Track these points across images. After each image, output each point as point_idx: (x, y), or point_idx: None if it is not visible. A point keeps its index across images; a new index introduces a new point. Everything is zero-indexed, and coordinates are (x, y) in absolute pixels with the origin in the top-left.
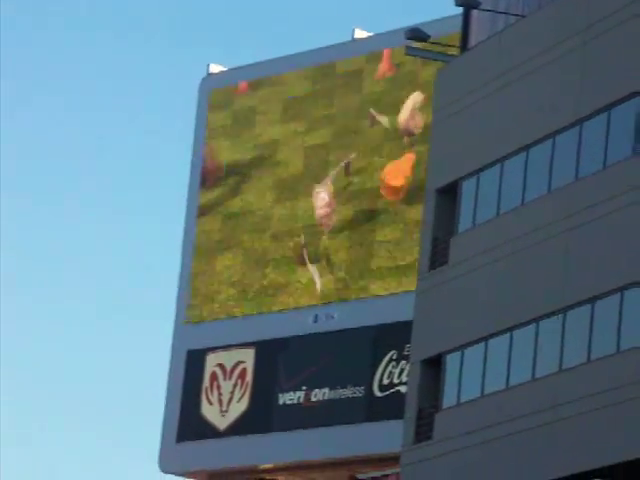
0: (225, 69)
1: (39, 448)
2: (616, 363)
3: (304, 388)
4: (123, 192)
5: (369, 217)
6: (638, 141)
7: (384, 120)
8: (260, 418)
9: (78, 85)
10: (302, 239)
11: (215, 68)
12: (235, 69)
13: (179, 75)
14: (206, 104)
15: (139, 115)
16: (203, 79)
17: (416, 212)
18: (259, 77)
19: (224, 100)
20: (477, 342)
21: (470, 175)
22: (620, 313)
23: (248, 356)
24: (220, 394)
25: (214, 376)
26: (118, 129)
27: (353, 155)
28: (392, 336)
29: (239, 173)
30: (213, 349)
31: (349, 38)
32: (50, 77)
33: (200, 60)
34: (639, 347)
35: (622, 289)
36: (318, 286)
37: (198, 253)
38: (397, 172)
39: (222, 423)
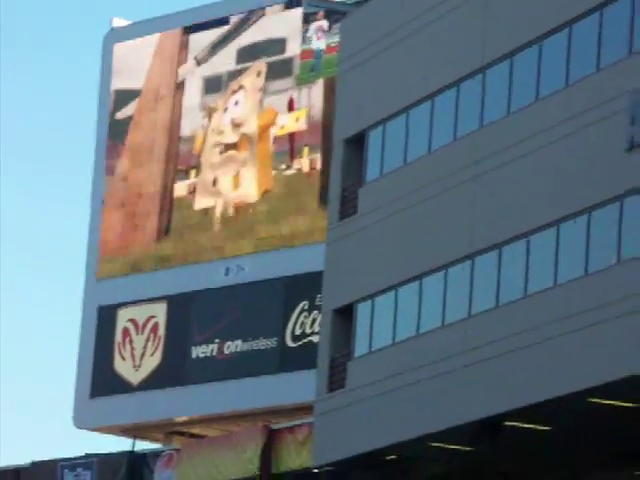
0: (129, 23)
1: None
2: (523, 307)
3: (217, 341)
4: (33, 148)
5: None
6: (540, 87)
7: None
8: (174, 372)
9: None
10: None
11: (119, 22)
12: (139, 23)
13: (83, 29)
14: (110, 59)
15: (44, 70)
16: (107, 33)
17: None
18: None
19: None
20: (387, 290)
21: (376, 125)
22: (527, 258)
23: (160, 310)
24: (133, 349)
25: (126, 331)
26: (23, 82)
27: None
28: (303, 286)
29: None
30: (124, 304)
31: None
32: None
33: (103, 14)
34: (545, 290)
35: (528, 234)
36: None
37: (107, 208)
38: None
39: (136, 378)
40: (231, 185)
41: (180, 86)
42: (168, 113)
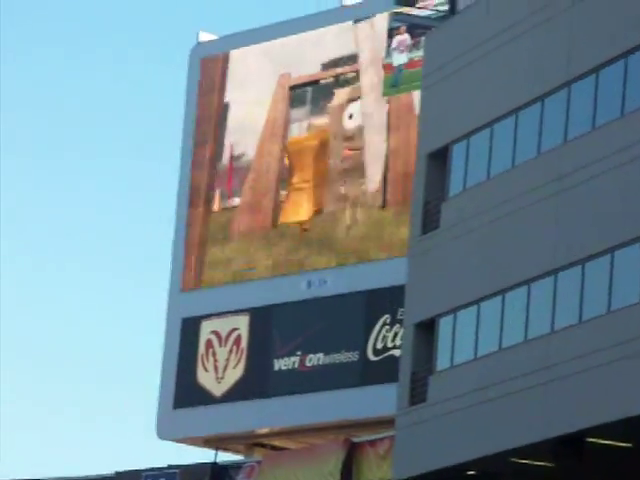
0: (215, 37)
1: (41, 418)
2: (607, 323)
3: (299, 353)
4: (117, 163)
5: None
6: (626, 102)
7: None
8: (256, 384)
9: (63, 51)
10: None
11: (205, 36)
12: (226, 37)
13: (169, 43)
14: (197, 73)
15: (130, 85)
16: (193, 47)
17: None
18: (249, 45)
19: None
20: (470, 305)
21: (460, 139)
22: (610, 274)
23: (243, 322)
24: (216, 361)
25: (209, 343)
26: (110, 98)
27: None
28: (385, 300)
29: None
30: (208, 316)
31: (337, 4)
32: (39, 44)
33: (190, 28)
34: (629, 306)
35: (612, 250)
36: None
37: (192, 220)
38: None
39: (218, 390)
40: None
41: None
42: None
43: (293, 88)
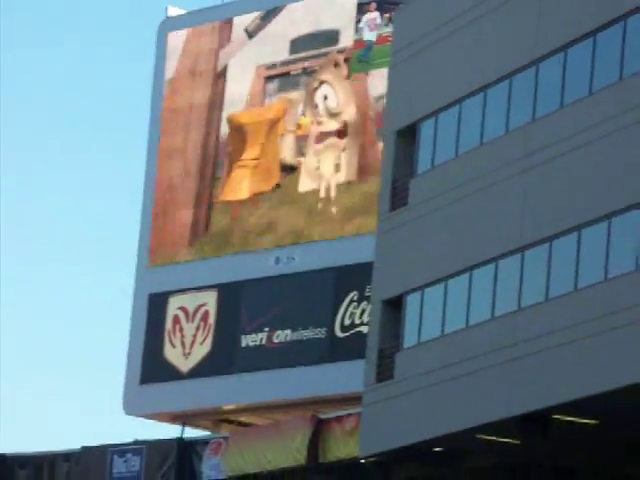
0: (183, 12)
1: (6, 393)
2: (573, 301)
3: (266, 330)
4: (85, 135)
5: None
6: (594, 80)
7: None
8: (223, 360)
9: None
10: None
11: (173, 11)
12: (194, 12)
13: (137, 18)
14: (164, 48)
15: (99, 59)
16: (161, 22)
17: None
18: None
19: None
20: (437, 282)
21: (428, 116)
22: (577, 252)
23: (210, 298)
24: (183, 336)
25: (177, 319)
26: (76, 71)
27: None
28: (353, 277)
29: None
30: (175, 292)
31: None
32: (11, 19)
33: (159, 2)
34: (595, 284)
35: (579, 227)
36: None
37: (159, 197)
38: None
39: (185, 365)
40: (332, 170)
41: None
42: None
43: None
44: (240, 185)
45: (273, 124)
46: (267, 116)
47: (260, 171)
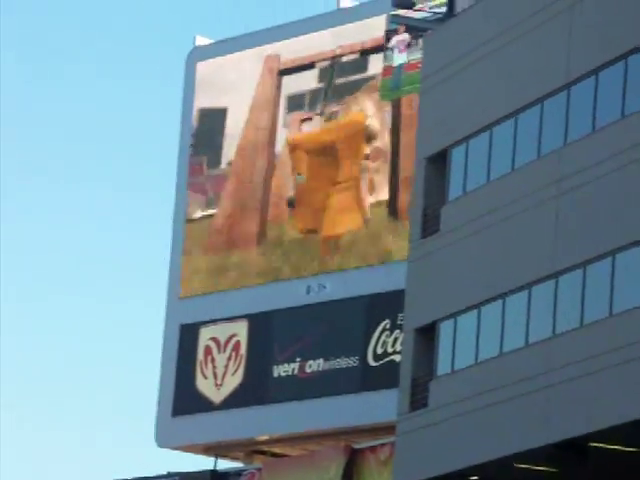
0: (212, 41)
1: (40, 426)
2: (609, 327)
3: (298, 359)
4: (114, 167)
5: None
6: (626, 104)
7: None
8: (255, 390)
9: (59, 55)
10: None
11: (202, 40)
12: (222, 41)
13: (166, 47)
14: (193, 77)
15: (127, 87)
16: (190, 51)
17: None
18: (246, 49)
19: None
20: (470, 309)
21: (459, 142)
22: (612, 277)
23: (241, 329)
24: (215, 367)
25: (208, 350)
26: (105, 102)
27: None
28: (385, 305)
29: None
30: (206, 323)
31: (334, 7)
32: (37, 46)
33: (187, 32)
34: (630, 310)
35: (613, 253)
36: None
37: (190, 227)
38: None
39: (217, 396)
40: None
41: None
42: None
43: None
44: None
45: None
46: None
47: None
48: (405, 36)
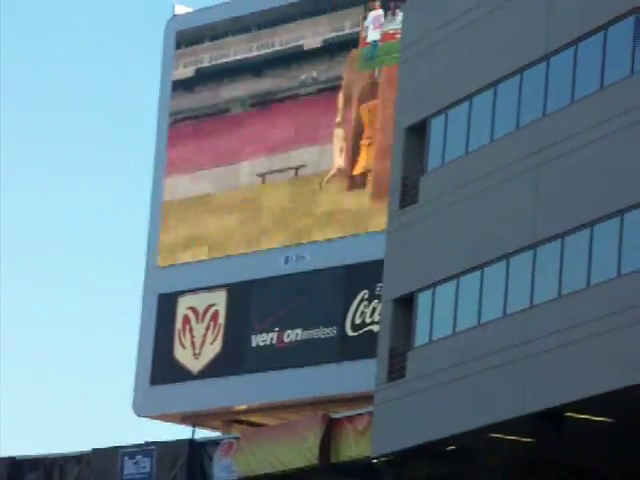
0: (191, 10)
1: (17, 396)
2: (586, 298)
3: (277, 329)
4: (90, 138)
5: None
6: (605, 75)
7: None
8: (233, 360)
9: (33, 25)
10: None
11: (180, 9)
12: (202, 10)
13: (144, 16)
14: (172, 46)
15: (104, 57)
16: (168, 20)
17: None
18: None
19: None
20: (448, 280)
21: (439, 112)
22: (590, 248)
23: (220, 298)
24: (193, 337)
25: (186, 319)
26: (82, 74)
27: None
28: (363, 275)
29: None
30: (185, 292)
31: None
32: (11, 18)
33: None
34: (608, 281)
35: (591, 224)
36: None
37: (168, 201)
38: None
39: (195, 366)
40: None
41: None
42: None
43: None
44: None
45: None
46: None
47: None
48: (380, 12)
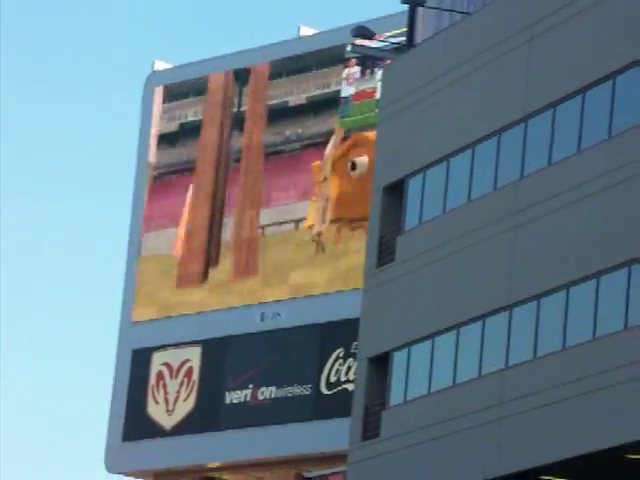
0: (170, 66)
1: None
2: (562, 360)
3: (251, 386)
4: (71, 191)
5: None
6: (582, 138)
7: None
8: (207, 417)
9: (21, 80)
10: None
11: (160, 65)
12: (181, 66)
13: (124, 72)
14: (152, 101)
15: (85, 111)
16: (148, 76)
17: None
18: (204, 75)
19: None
20: (424, 339)
21: (416, 172)
22: (566, 310)
23: (194, 354)
24: (166, 393)
25: (160, 375)
26: (64, 123)
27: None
28: (339, 334)
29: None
30: (159, 347)
31: (295, 35)
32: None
33: (145, 57)
34: (583, 343)
35: (567, 286)
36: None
37: (143, 256)
38: None
39: (169, 422)
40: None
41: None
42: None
43: None
44: None
45: None
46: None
47: None
48: (356, 69)
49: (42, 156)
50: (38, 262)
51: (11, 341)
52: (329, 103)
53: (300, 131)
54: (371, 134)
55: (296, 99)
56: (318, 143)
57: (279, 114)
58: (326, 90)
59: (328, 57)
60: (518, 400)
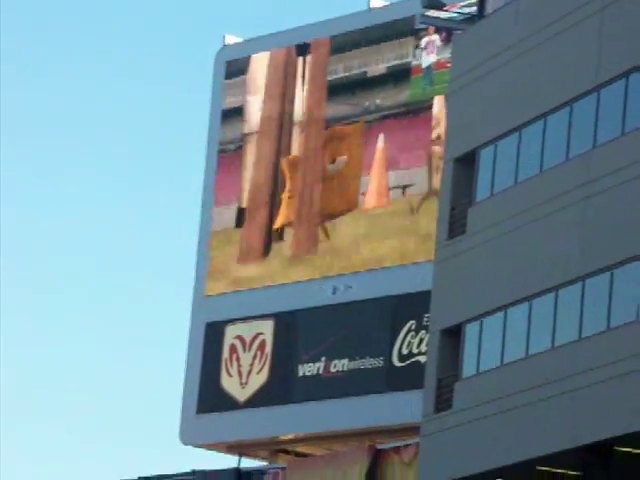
0: (241, 40)
1: (60, 422)
2: (635, 331)
3: (323, 359)
4: (142, 167)
5: None
6: None
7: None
8: (280, 390)
9: (90, 59)
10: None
11: (231, 39)
12: (251, 40)
13: (195, 46)
14: (222, 76)
15: (155, 86)
16: (219, 50)
17: None
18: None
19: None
20: (496, 311)
21: (488, 143)
22: (639, 280)
23: (267, 327)
24: (240, 366)
25: (233, 348)
26: (133, 103)
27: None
28: (411, 306)
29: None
30: (232, 321)
31: (365, 7)
32: (62, 51)
33: (216, 31)
34: None
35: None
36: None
37: (214, 230)
38: None
39: (242, 395)
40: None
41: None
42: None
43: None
44: None
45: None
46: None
47: None
48: (435, 37)
49: (113, 132)
50: (112, 239)
51: (91, 318)
52: (404, 73)
53: (378, 102)
54: None
55: (373, 70)
56: (396, 114)
57: (359, 84)
58: (401, 61)
59: (399, 29)
60: (591, 371)
